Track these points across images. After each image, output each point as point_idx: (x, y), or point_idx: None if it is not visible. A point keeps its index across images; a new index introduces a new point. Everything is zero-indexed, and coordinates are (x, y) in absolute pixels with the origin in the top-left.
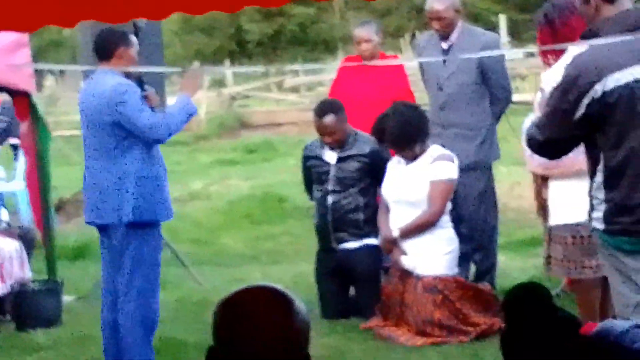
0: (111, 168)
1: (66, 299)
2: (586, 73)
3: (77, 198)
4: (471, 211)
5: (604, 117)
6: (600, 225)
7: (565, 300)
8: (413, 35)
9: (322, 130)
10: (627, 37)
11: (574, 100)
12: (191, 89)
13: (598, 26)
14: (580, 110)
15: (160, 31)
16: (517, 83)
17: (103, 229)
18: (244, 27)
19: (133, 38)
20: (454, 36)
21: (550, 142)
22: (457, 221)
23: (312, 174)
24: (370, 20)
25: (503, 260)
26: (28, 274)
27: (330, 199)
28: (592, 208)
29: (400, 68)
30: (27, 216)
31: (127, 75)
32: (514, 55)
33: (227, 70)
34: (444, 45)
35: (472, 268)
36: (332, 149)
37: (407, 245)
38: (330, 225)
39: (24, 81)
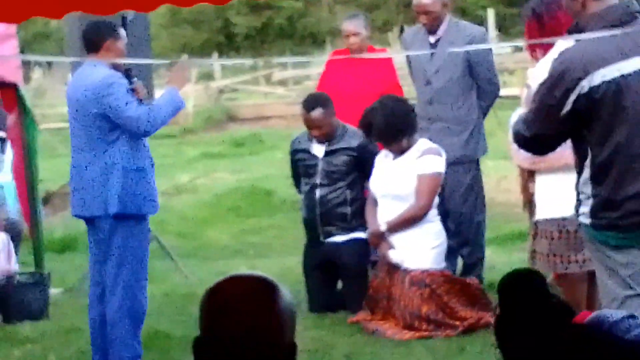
0: (97, 160)
1: (53, 291)
2: (573, 69)
3: (64, 191)
4: (458, 205)
5: (590, 112)
6: (587, 220)
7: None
8: (401, 29)
9: (310, 124)
10: (614, 33)
11: (560, 95)
12: (179, 82)
13: (584, 22)
14: (567, 106)
15: (148, 23)
16: (505, 77)
17: (90, 221)
18: (231, 20)
19: (122, 31)
20: (441, 30)
21: (537, 137)
22: (444, 215)
23: (300, 167)
24: (359, 13)
25: (490, 254)
26: (15, 267)
27: (318, 193)
28: (579, 203)
29: (388, 62)
30: (14, 209)
31: (115, 67)
32: (501, 50)
33: (215, 63)
34: (431, 39)
35: (460, 262)
36: (320, 142)
37: (395, 239)
38: (318, 219)
39: (11, 73)
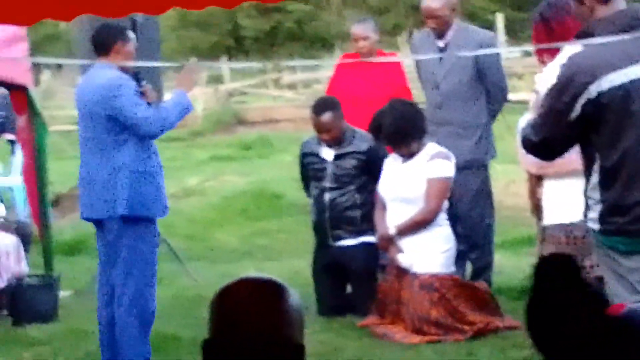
0: (105, 162)
1: (62, 294)
2: (581, 74)
3: (73, 193)
4: (467, 210)
5: (598, 117)
6: (595, 226)
7: None
8: (410, 33)
9: (320, 128)
10: (622, 38)
11: (568, 100)
12: (187, 84)
13: (593, 27)
14: (575, 111)
15: (157, 26)
16: (514, 82)
17: (98, 224)
18: (240, 23)
19: (131, 34)
20: (449, 35)
21: (545, 142)
22: (453, 219)
23: (309, 171)
24: (368, 17)
25: (499, 258)
26: (25, 269)
27: (327, 196)
28: (587, 208)
29: (397, 65)
30: (23, 211)
31: (124, 70)
32: (510, 54)
33: (224, 66)
34: (440, 43)
35: (469, 266)
36: (330, 146)
37: (404, 242)
38: (328, 223)
39: (21, 75)
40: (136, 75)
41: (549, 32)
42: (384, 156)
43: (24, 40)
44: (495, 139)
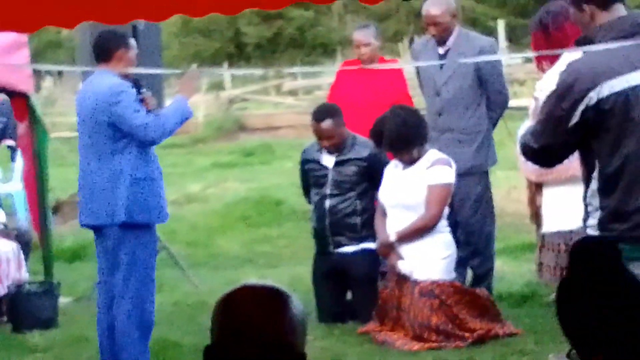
0: (105, 169)
1: (62, 300)
2: (581, 80)
3: (74, 199)
4: (468, 216)
5: (598, 124)
6: (595, 232)
7: None
8: (412, 40)
9: (320, 135)
10: (623, 44)
11: (568, 107)
12: (188, 91)
13: (593, 33)
14: (575, 118)
15: (159, 33)
16: (515, 88)
17: (97, 230)
18: (242, 29)
19: (132, 41)
20: (450, 41)
21: (544, 149)
22: (454, 226)
23: (310, 177)
24: (370, 24)
25: (500, 265)
26: (25, 276)
27: (328, 203)
28: (587, 215)
29: (399, 72)
30: (24, 217)
31: (125, 77)
32: (512, 60)
33: (226, 72)
34: (441, 50)
35: (469, 273)
36: (330, 152)
37: (404, 249)
38: (328, 229)
39: (22, 82)
40: (136, 82)
41: (547, 39)
42: (385, 163)
43: (25, 47)
44: (496, 145)
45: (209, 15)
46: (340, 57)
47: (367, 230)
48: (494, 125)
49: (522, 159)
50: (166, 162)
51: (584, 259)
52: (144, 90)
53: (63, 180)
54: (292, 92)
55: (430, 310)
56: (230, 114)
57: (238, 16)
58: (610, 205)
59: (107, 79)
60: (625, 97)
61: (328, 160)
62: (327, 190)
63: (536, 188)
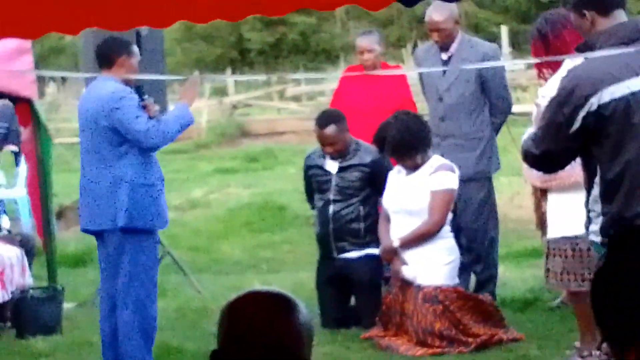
0: (106, 174)
1: (66, 305)
2: (582, 86)
3: (77, 205)
4: (471, 222)
5: (599, 130)
6: (597, 238)
7: (566, 311)
8: (414, 46)
9: (324, 141)
10: (624, 51)
11: (569, 113)
12: (189, 97)
13: (593, 39)
14: (576, 124)
15: (162, 39)
16: (518, 94)
17: (99, 235)
18: (245, 35)
19: (135, 48)
20: (453, 47)
21: (546, 155)
22: (457, 232)
23: (314, 183)
24: (373, 30)
25: (503, 270)
26: (29, 281)
27: (331, 209)
28: (589, 221)
29: (402, 78)
30: (28, 223)
31: (127, 83)
32: (515, 66)
33: (229, 78)
34: (444, 56)
35: (473, 278)
36: (334, 158)
37: (408, 255)
38: (331, 235)
39: (26, 88)
40: (138, 89)
41: (547, 47)
42: (388, 168)
43: (28, 53)
44: (499, 151)
45: (211, 22)
46: (344, 63)
47: (371, 235)
48: (497, 131)
49: (526, 165)
50: (169, 167)
51: (622, 248)
52: (146, 96)
53: (67, 186)
54: (295, 98)
55: (433, 315)
56: (233, 120)
57: (241, 22)
58: (611, 211)
59: (108, 85)
60: (625, 103)
61: (331, 166)
62: (331, 195)
63: (542, 194)
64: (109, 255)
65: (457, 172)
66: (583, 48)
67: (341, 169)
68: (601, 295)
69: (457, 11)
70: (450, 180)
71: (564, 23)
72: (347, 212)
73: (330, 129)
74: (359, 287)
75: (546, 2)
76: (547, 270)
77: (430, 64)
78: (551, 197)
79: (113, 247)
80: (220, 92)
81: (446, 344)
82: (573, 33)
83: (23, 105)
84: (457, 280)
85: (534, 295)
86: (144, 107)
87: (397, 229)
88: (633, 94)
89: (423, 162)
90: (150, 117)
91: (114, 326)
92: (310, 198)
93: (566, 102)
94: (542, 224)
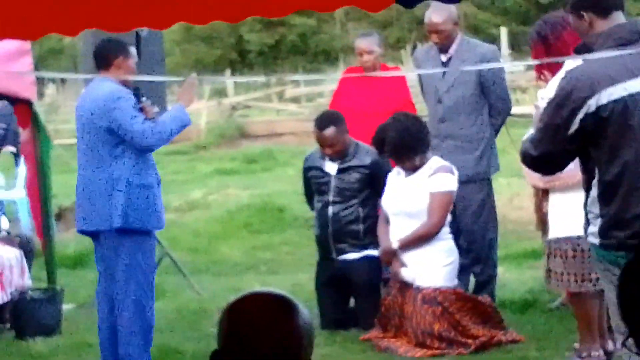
0: (102, 174)
1: (65, 307)
2: (580, 88)
3: None
4: (470, 223)
5: (598, 131)
6: (595, 240)
7: (565, 313)
8: (414, 47)
9: (323, 142)
10: (622, 52)
11: (567, 115)
12: (186, 99)
13: (592, 41)
14: (574, 125)
15: (161, 40)
16: (518, 95)
17: (95, 236)
18: (244, 37)
19: (132, 49)
20: (452, 49)
21: (544, 157)
22: (456, 233)
23: (313, 184)
24: (372, 31)
25: (502, 272)
26: (28, 282)
27: (330, 210)
28: (587, 222)
29: (401, 79)
30: (27, 224)
31: (125, 84)
32: (514, 68)
33: (228, 79)
34: (443, 57)
35: (472, 280)
36: (333, 160)
37: (407, 256)
38: (331, 236)
39: (25, 89)
40: (136, 91)
41: (548, 49)
42: (388, 170)
43: (28, 54)
44: (498, 152)
45: (211, 23)
46: (343, 64)
47: (370, 237)
48: (496, 132)
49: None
50: (168, 168)
51: None
52: (144, 98)
53: (66, 187)
54: (295, 99)
55: (432, 317)
56: (232, 121)
57: (240, 23)
58: (610, 212)
59: (106, 86)
60: (623, 104)
61: (331, 167)
62: (330, 197)
63: (543, 195)
64: (105, 257)
65: (456, 173)
66: (581, 49)
67: (340, 171)
68: (629, 290)
69: (457, 13)
70: (449, 182)
71: (563, 25)
72: (346, 214)
73: (330, 131)
74: (358, 289)
75: (546, 4)
76: (548, 270)
77: (430, 65)
78: (553, 197)
79: (109, 248)
80: (220, 93)
81: (445, 345)
82: (573, 34)
83: (22, 106)
84: (456, 282)
85: (534, 296)
86: (142, 109)
87: (396, 231)
88: (631, 95)
89: (422, 164)
90: (147, 119)
91: (113, 327)
92: (309, 199)
93: (564, 104)
94: (542, 224)
